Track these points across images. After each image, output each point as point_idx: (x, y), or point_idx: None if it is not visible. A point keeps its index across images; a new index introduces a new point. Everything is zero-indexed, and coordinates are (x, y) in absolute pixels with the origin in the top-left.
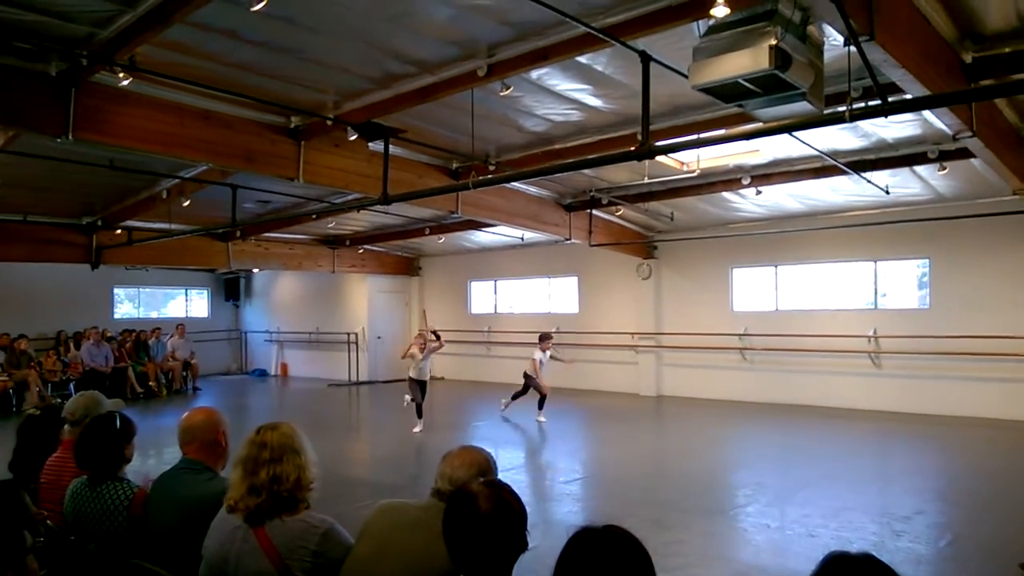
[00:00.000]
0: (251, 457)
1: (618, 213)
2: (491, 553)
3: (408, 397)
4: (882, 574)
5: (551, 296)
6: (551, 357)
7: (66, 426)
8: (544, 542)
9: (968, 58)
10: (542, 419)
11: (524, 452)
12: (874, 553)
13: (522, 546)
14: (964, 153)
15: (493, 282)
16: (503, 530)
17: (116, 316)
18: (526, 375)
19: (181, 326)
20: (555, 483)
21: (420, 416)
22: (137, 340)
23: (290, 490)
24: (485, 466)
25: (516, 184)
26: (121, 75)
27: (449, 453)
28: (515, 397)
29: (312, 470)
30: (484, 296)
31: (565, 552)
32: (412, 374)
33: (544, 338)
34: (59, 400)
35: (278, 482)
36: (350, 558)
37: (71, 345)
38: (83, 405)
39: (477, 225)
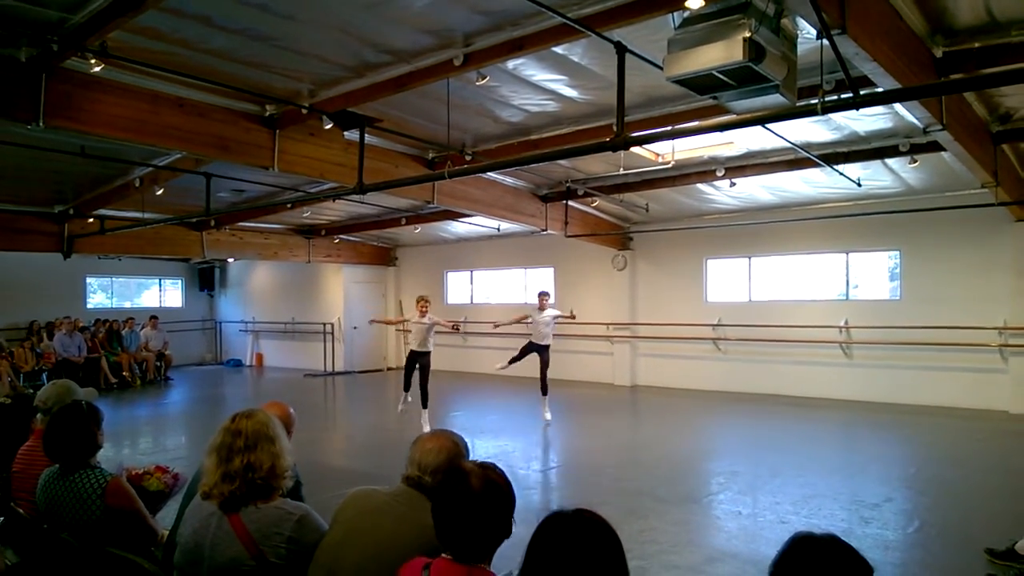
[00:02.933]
0: (225, 444)
1: (594, 204)
2: (477, 533)
3: (401, 403)
4: (845, 554)
5: (527, 287)
6: (555, 319)
7: (38, 415)
8: (519, 529)
9: (939, 52)
10: (548, 417)
11: (500, 441)
12: (842, 539)
13: (507, 531)
14: (934, 146)
15: (469, 272)
16: (491, 511)
17: (89, 306)
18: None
19: (154, 317)
20: (530, 472)
21: (408, 390)
22: (110, 330)
23: (264, 477)
24: (455, 451)
25: (492, 174)
26: (93, 61)
27: (420, 438)
28: (512, 361)
29: (287, 458)
30: (460, 286)
31: (536, 535)
32: (413, 345)
33: (543, 295)
34: (31, 390)
35: (252, 470)
36: (321, 544)
37: (43, 335)
38: (55, 394)
39: (453, 215)
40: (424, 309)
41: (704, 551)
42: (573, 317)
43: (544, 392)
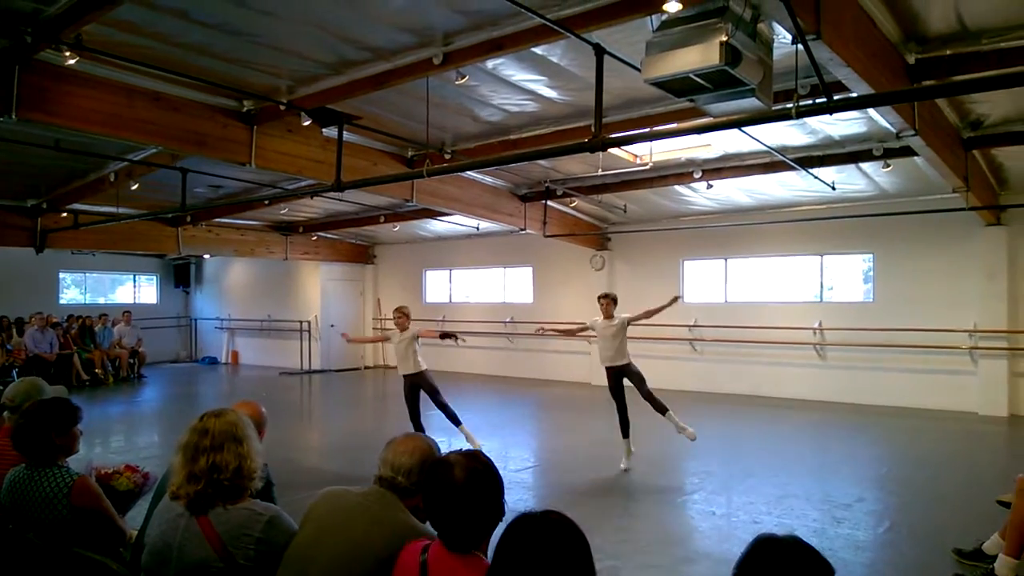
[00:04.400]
0: (191, 444)
1: (572, 204)
2: (466, 522)
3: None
4: (807, 556)
5: (506, 286)
6: (627, 324)
7: (5, 412)
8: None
9: (912, 59)
10: (690, 431)
11: (477, 440)
12: (813, 539)
13: (499, 514)
14: (907, 151)
15: (448, 271)
16: (478, 499)
17: (62, 301)
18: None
19: (128, 313)
20: (506, 471)
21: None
22: (83, 326)
23: (230, 479)
24: (428, 453)
25: (472, 173)
26: (68, 54)
27: (393, 440)
28: (625, 425)
29: (256, 459)
30: (439, 285)
31: (504, 537)
32: (399, 368)
33: (605, 299)
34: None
35: (218, 470)
36: (292, 544)
37: (13, 331)
38: (23, 391)
39: (432, 214)
40: (403, 323)
41: (678, 551)
42: (676, 300)
43: (660, 410)
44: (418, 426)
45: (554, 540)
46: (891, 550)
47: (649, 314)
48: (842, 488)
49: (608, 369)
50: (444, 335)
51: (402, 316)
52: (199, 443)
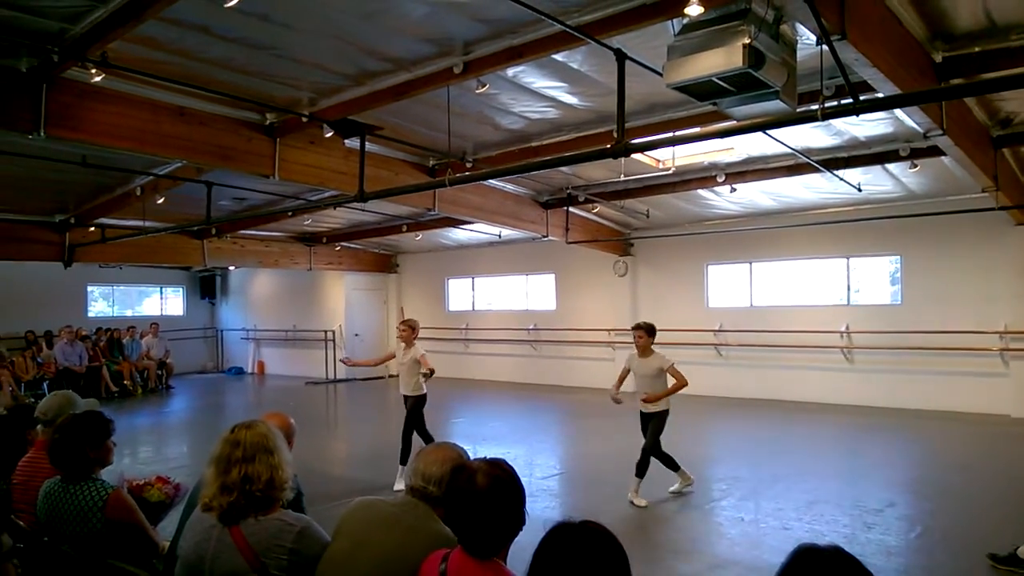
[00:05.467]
0: (224, 456)
1: (595, 210)
2: (486, 528)
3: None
4: (849, 566)
5: (528, 293)
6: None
7: (39, 426)
8: (522, 537)
9: (938, 57)
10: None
11: (502, 448)
12: (844, 545)
13: (519, 522)
14: (935, 151)
15: (471, 279)
16: (500, 506)
17: (90, 314)
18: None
19: (155, 324)
20: (532, 479)
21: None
22: (111, 339)
23: (262, 490)
24: (459, 462)
25: (493, 181)
26: (93, 71)
27: (422, 450)
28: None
29: (287, 470)
30: (462, 293)
31: (542, 546)
32: (405, 388)
33: (641, 331)
34: (32, 400)
35: (250, 481)
36: (325, 556)
37: (43, 344)
38: (56, 405)
39: (454, 222)
40: (408, 336)
41: (707, 558)
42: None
43: (640, 469)
44: (429, 438)
45: (593, 550)
46: (924, 556)
47: (674, 390)
48: (872, 493)
49: (642, 415)
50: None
51: (408, 329)
52: (231, 455)
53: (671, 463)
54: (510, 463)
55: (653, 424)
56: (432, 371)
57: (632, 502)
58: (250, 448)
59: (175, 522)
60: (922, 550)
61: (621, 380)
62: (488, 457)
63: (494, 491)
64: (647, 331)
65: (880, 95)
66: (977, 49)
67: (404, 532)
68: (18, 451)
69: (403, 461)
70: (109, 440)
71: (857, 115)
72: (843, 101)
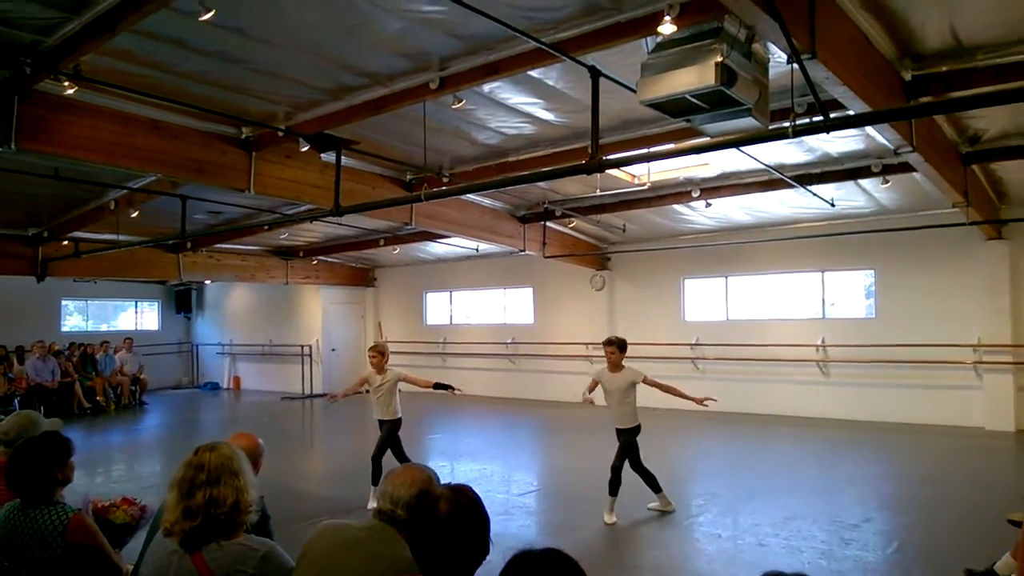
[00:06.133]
0: (187, 479)
1: (571, 225)
2: (452, 556)
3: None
4: None
5: (506, 307)
6: (632, 385)
7: (0, 447)
8: (495, 557)
9: (907, 76)
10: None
11: (478, 465)
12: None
13: (484, 550)
14: (906, 167)
15: (448, 293)
16: (463, 533)
17: (64, 328)
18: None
19: (129, 339)
20: (509, 495)
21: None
22: (84, 354)
23: (227, 513)
24: (427, 484)
25: (470, 196)
26: (66, 84)
27: (391, 472)
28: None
29: (251, 492)
30: (440, 307)
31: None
32: (381, 414)
33: (610, 346)
34: (2, 416)
35: (215, 505)
36: None
37: (14, 360)
38: (17, 425)
39: (432, 236)
40: (379, 362)
41: (684, 575)
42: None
43: (653, 487)
44: (405, 459)
45: None
46: (902, 572)
47: (671, 391)
48: (849, 508)
49: (618, 431)
50: (438, 386)
51: (378, 355)
52: (195, 478)
53: (653, 483)
54: (476, 489)
55: (622, 439)
56: (448, 387)
57: (604, 520)
58: (215, 471)
59: (141, 544)
60: (900, 566)
61: (592, 388)
62: (452, 484)
63: (456, 518)
64: (619, 347)
65: (851, 113)
66: (945, 68)
67: (369, 557)
68: None
69: (375, 482)
70: (71, 460)
71: (828, 132)
72: (814, 119)
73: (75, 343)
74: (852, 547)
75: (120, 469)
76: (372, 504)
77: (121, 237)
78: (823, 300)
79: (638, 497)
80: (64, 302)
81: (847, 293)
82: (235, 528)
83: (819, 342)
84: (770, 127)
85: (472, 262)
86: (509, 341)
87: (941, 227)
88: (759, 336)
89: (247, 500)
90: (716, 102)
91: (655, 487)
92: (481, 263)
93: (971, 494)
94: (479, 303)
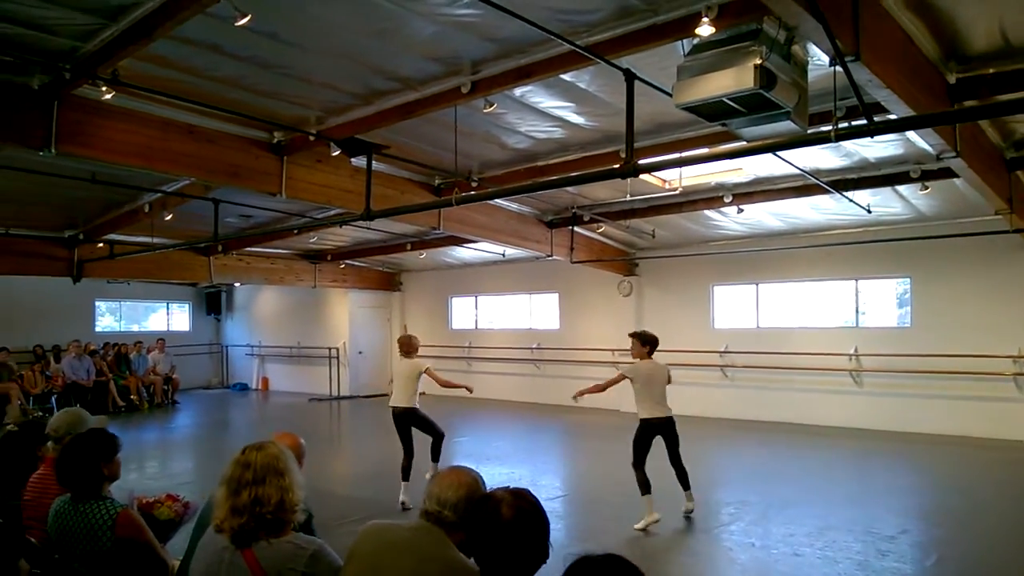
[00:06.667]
0: (234, 477)
1: (599, 230)
2: (511, 560)
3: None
4: None
5: (532, 312)
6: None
7: (50, 443)
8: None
9: (952, 78)
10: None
11: (505, 469)
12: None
13: (544, 555)
14: (946, 173)
15: (474, 298)
16: (524, 538)
17: (97, 329)
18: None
19: (161, 340)
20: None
21: (408, 478)
22: (119, 353)
23: (273, 512)
24: (474, 487)
25: (498, 200)
26: (104, 88)
27: (438, 473)
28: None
29: (298, 492)
30: (465, 312)
31: None
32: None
33: (639, 339)
34: (41, 414)
35: (260, 504)
36: None
37: (51, 358)
38: (66, 422)
39: (459, 241)
40: (408, 349)
41: None
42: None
43: (684, 484)
44: (407, 469)
45: None
46: None
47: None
48: (884, 519)
49: (648, 425)
50: (449, 384)
51: (406, 343)
52: (241, 476)
53: (644, 485)
54: (533, 493)
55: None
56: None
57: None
58: (260, 470)
59: (184, 540)
60: None
61: (606, 386)
62: (511, 487)
63: (519, 523)
64: (647, 340)
65: (893, 117)
66: (992, 71)
67: (418, 559)
68: (28, 467)
69: (406, 477)
70: (118, 456)
71: (871, 136)
72: (857, 122)
73: (109, 343)
74: (889, 559)
75: (154, 466)
76: (403, 498)
77: (155, 240)
78: (856, 308)
79: (668, 502)
80: (98, 303)
81: (881, 301)
82: (283, 526)
83: (852, 351)
84: (810, 131)
85: (498, 267)
86: (534, 346)
87: (982, 235)
88: (790, 344)
89: (292, 500)
90: (754, 105)
91: (645, 490)
92: (507, 268)
93: (1010, 507)
94: (504, 308)
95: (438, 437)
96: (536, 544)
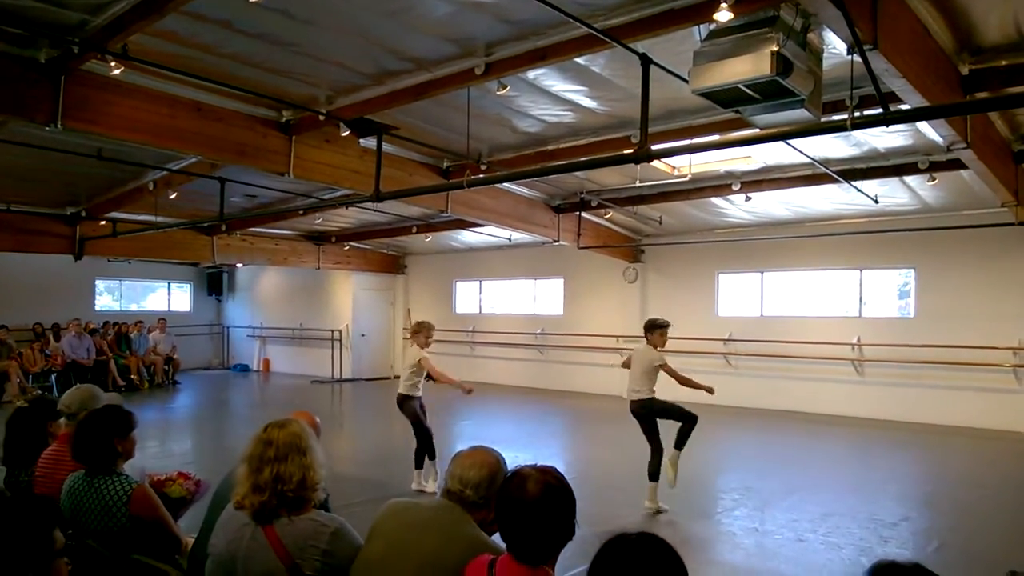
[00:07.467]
0: (256, 455)
1: (607, 216)
2: (538, 535)
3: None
4: None
5: (536, 297)
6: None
7: (62, 419)
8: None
9: (965, 70)
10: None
11: (510, 452)
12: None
13: (569, 532)
14: (954, 164)
15: (478, 282)
16: (551, 515)
17: (97, 308)
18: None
19: (163, 320)
20: None
21: (420, 466)
22: (119, 333)
23: (294, 490)
24: (496, 467)
25: (506, 184)
26: (112, 64)
27: (459, 453)
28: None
29: (319, 470)
30: (469, 296)
31: (599, 559)
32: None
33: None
34: (40, 391)
35: (281, 481)
36: (360, 558)
37: (51, 337)
38: (79, 399)
39: (465, 224)
40: (412, 334)
41: (722, 568)
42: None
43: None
44: (421, 458)
45: (654, 563)
46: (944, 571)
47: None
48: (887, 506)
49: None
50: (443, 378)
51: (417, 330)
52: (263, 454)
53: (654, 471)
54: (558, 471)
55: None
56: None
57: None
58: (282, 448)
59: (195, 518)
60: (941, 565)
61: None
62: (538, 464)
63: (546, 499)
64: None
65: (907, 106)
66: (1004, 63)
67: (441, 537)
68: (39, 444)
69: (419, 465)
70: (133, 432)
71: (887, 126)
72: (872, 112)
73: (109, 322)
74: (891, 545)
75: (155, 445)
76: (415, 486)
77: (158, 218)
78: (860, 298)
79: (676, 491)
80: (97, 282)
81: (884, 291)
82: (304, 504)
83: (855, 341)
84: (824, 120)
85: (503, 251)
86: (539, 332)
87: (988, 227)
88: (794, 333)
89: (314, 478)
90: (770, 92)
91: (652, 476)
92: (512, 253)
93: (1011, 497)
94: (509, 293)
95: (420, 436)
96: (563, 521)
